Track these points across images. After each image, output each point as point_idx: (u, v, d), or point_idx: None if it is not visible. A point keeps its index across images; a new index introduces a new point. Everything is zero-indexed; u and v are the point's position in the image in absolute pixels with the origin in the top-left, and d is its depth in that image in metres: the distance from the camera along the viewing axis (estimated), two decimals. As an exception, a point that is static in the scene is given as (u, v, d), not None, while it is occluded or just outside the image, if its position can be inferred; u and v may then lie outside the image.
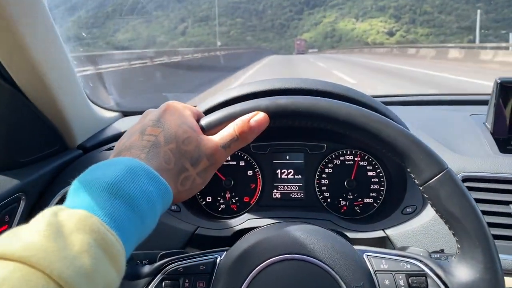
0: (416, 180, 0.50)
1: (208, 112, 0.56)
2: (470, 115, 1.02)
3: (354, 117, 0.51)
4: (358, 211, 0.92)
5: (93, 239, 0.35)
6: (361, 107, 0.52)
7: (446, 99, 1.23)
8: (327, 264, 0.49)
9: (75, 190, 0.41)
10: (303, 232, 0.53)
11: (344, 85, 0.76)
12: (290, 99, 0.52)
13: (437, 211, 0.50)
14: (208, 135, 0.52)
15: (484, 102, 1.14)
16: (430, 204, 0.50)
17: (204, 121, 0.53)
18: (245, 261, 0.51)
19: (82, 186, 0.40)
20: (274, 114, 0.52)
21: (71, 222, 0.35)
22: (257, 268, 0.50)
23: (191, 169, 0.49)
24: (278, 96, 0.54)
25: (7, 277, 0.30)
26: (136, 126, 0.51)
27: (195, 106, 0.64)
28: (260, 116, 0.52)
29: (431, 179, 0.48)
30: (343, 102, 0.52)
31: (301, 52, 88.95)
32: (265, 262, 0.50)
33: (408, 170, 0.51)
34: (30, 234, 0.33)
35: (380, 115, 0.52)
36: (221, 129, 0.52)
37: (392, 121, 0.51)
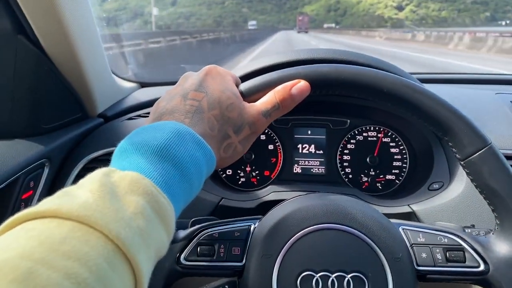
0: (457, 155, 0.49)
1: (244, 79, 0.54)
2: (496, 93, 1.00)
3: (399, 88, 0.49)
4: (380, 187, 0.92)
5: (146, 201, 0.35)
6: (405, 78, 0.51)
7: (471, 77, 1.20)
8: (366, 235, 0.49)
9: (122, 152, 0.40)
10: (341, 202, 0.52)
11: (382, 60, 0.75)
12: (333, 67, 0.51)
13: (477, 186, 0.49)
14: (248, 102, 0.51)
15: (510, 82, 1.12)
16: (471, 179, 0.49)
17: (244, 87, 0.52)
18: (281, 229, 0.50)
19: (130, 149, 0.40)
20: (315, 82, 0.51)
21: (124, 183, 0.35)
22: (294, 236, 0.49)
23: (234, 137, 0.48)
24: (319, 64, 0.52)
25: (67, 236, 0.29)
26: (176, 89, 0.49)
27: None
28: (302, 84, 0.50)
29: (474, 154, 0.47)
30: (388, 73, 0.51)
31: (304, 30, 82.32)
32: (303, 231, 0.49)
33: (450, 144, 0.49)
34: (85, 194, 0.33)
35: (423, 87, 0.50)
36: (260, 97, 0.51)
37: (435, 94, 0.50)
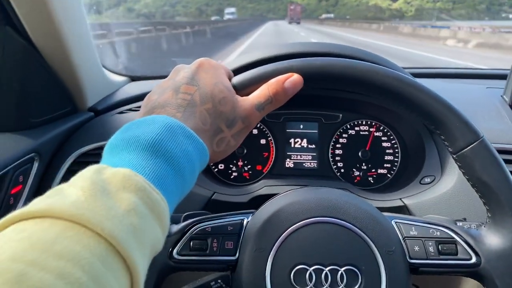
0: (449, 148, 0.49)
1: (237, 72, 0.54)
2: (487, 87, 1.01)
3: (391, 82, 0.49)
4: (372, 181, 0.92)
5: (139, 198, 0.34)
6: (397, 72, 0.51)
7: (462, 72, 1.21)
8: (359, 228, 0.49)
9: (112, 148, 0.40)
10: (334, 196, 0.52)
11: (375, 54, 0.75)
12: (326, 60, 0.51)
13: (469, 180, 0.50)
14: (240, 95, 0.50)
15: (500, 76, 1.13)
16: (463, 172, 0.50)
17: (237, 80, 0.51)
18: (275, 223, 0.50)
19: (121, 144, 0.39)
20: (308, 76, 0.50)
21: (116, 180, 0.34)
22: (288, 230, 0.49)
23: (227, 131, 0.48)
24: (312, 58, 0.52)
25: (59, 236, 0.28)
26: (168, 82, 0.49)
27: None
28: (295, 77, 0.50)
29: (466, 148, 0.48)
30: (380, 66, 0.50)
31: (295, 21, 74.60)
32: (296, 225, 0.49)
33: (442, 137, 0.50)
34: (76, 192, 0.32)
35: (416, 80, 0.50)
36: (253, 90, 0.50)
37: (428, 87, 0.50)
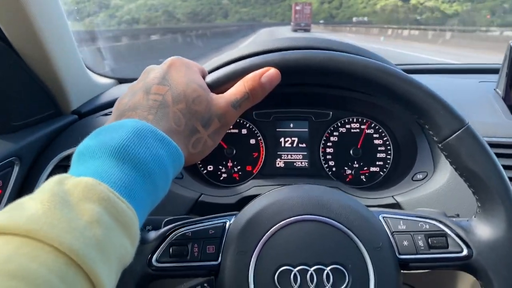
0: (435, 137, 0.48)
1: (212, 72, 0.52)
2: (479, 82, 1.00)
3: (371, 71, 0.47)
4: (364, 180, 0.90)
5: (103, 207, 0.33)
6: (378, 61, 0.49)
7: (454, 67, 1.20)
8: (344, 225, 0.47)
9: (79, 156, 0.38)
10: (316, 193, 0.50)
11: (358, 46, 0.73)
12: (302, 53, 0.49)
13: (456, 169, 0.48)
14: (216, 93, 0.48)
15: (493, 71, 1.11)
16: (450, 162, 0.48)
17: (211, 78, 0.49)
18: (257, 224, 0.48)
19: (87, 152, 0.37)
20: (285, 70, 0.48)
21: (77, 191, 0.32)
22: (270, 230, 0.47)
23: (203, 131, 0.46)
24: (288, 51, 0.50)
25: (13, 254, 0.27)
26: (138, 84, 0.46)
27: None
28: (271, 72, 0.48)
29: (451, 136, 0.46)
30: (359, 56, 0.49)
31: (303, 28, 51.08)
32: (279, 224, 0.47)
33: (426, 127, 0.48)
34: (35, 206, 0.30)
35: (398, 69, 0.48)
36: (229, 87, 0.49)
37: (410, 76, 0.48)
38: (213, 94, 0.47)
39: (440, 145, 0.48)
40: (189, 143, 0.45)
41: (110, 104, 0.96)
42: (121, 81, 1.16)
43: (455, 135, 0.46)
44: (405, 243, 0.48)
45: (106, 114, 0.89)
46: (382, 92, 0.48)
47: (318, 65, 0.48)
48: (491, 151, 0.46)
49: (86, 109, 0.92)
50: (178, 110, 0.44)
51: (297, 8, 58.99)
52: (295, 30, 48.66)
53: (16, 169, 0.72)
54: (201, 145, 0.46)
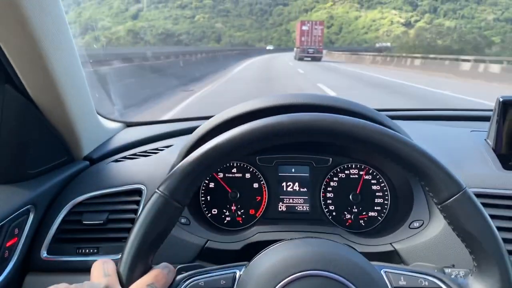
0: (434, 199, 0.52)
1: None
2: (471, 131, 1.04)
3: (376, 136, 0.52)
4: (363, 224, 0.93)
5: None
6: (378, 125, 0.53)
7: (447, 114, 1.25)
8: (349, 281, 0.50)
9: None
10: (325, 248, 0.53)
11: (346, 100, 0.77)
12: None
13: (454, 230, 0.51)
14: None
15: (484, 118, 1.17)
16: (448, 222, 0.52)
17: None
18: (268, 277, 0.51)
19: None
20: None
21: None
22: (280, 284, 0.50)
23: None
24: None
25: None
26: None
27: None
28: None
29: (449, 199, 0.50)
30: (364, 121, 0.53)
31: (312, 55, 34.61)
32: (288, 278, 0.50)
33: (427, 189, 0.52)
34: None
35: (397, 133, 0.53)
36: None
37: (414, 142, 0.52)
38: None
39: (439, 207, 0.51)
40: None
41: (119, 149, 1.00)
42: (128, 124, 1.20)
43: (453, 198, 0.50)
44: None
45: (116, 160, 0.93)
46: (385, 155, 0.52)
47: (328, 130, 0.52)
48: (487, 214, 0.50)
49: (97, 155, 0.96)
50: None
51: (304, 28, 40.78)
52: (301, 59, 34.13)
53: (31, 216, 0.76)
54: None
